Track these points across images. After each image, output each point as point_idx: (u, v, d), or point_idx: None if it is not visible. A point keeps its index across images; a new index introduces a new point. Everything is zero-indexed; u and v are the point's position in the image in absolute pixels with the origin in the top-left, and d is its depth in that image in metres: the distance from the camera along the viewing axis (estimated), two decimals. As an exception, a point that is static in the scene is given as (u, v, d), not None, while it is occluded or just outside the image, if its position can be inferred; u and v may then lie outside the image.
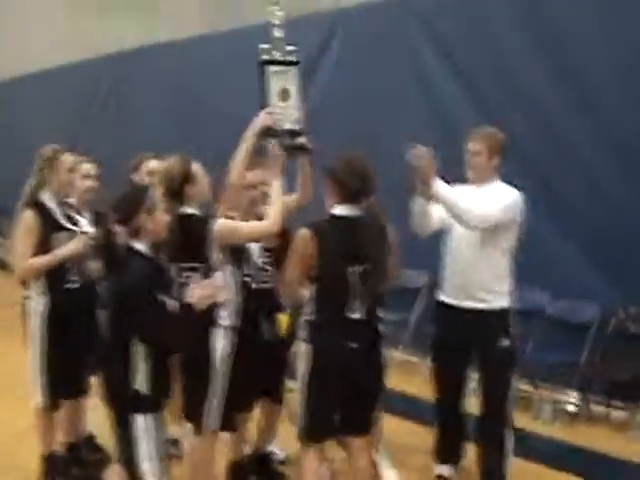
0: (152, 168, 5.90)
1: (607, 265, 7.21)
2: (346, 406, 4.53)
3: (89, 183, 5.90)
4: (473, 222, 5.04)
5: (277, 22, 4.84)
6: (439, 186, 4.99)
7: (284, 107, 4.81)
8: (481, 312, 5.22)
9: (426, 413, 6.09)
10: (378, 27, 9.23)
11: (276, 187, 4.76)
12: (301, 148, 4.88)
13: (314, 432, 4.58)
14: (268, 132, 4.77)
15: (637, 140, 7.03)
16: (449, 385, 5.57)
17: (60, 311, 5.38)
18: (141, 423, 4.19)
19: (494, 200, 5.12)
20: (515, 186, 5.31)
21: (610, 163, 7.24)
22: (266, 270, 5.28)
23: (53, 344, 5.38)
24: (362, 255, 4.42)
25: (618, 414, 7.19)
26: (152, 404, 4.25)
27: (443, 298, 5.48)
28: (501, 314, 5.25)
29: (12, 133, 17.96)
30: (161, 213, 4.37)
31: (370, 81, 9.23)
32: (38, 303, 5.39)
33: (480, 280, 5.21)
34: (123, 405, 4.23)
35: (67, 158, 5.47)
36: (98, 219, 5.51)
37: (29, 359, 5.47)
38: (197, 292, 4.32)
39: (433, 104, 8.73)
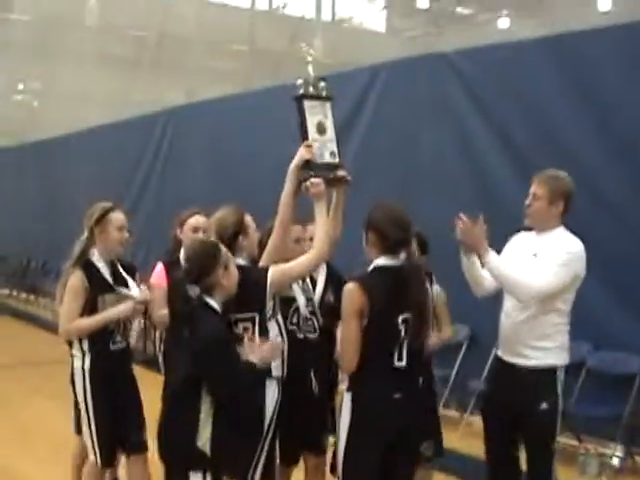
0: (197, 224, 5.93)
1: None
2: (388, 457, 4.46)
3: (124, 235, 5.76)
4: (525, 298, 4.90)
5: (310, 59, 4.99)
6: (490, 257, 4.89)
7: (322, 141, 4.87)
8: (525, 369, 5.01)
9: (468, 468, 6.04)
10: (415, 82, 9.32)
11: (321, 216, 4.73)
12: (340, 180, 4.92)
13: None
14: (308, 165, 4.80)
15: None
16: (497, 441, 5.33)
17: (105, 371, 5.36)
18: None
19: (550, 262, 4.85)
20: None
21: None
22: (312, 320, 5.31)
23: (100, 403, 5.36)
24: (407, 304, 4.42)
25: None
26: (214, 464, 4.24)
27: (497, 352, 5.33)
28: (547, 373, 4.99)
29: (59, 192, 18.22)
30: (234, 268, 4.42)
31: (407, 135, 9.30)
32: (83, 362, 5.38)
33: (527, 337, 4.99)
34: (186, 463, 4.24)
35: (117, 216, 5.44)
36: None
37: (82, 417, 5.49)
38: (258, 351, 4.33)
39: (471, 160, 8.74)
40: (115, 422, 5.40)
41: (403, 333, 4.42)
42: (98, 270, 5.40)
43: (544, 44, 8.25)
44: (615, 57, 7.49)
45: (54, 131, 19.14)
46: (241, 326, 4.56)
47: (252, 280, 4.56)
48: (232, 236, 4.69)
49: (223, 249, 4.42)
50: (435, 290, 5.59)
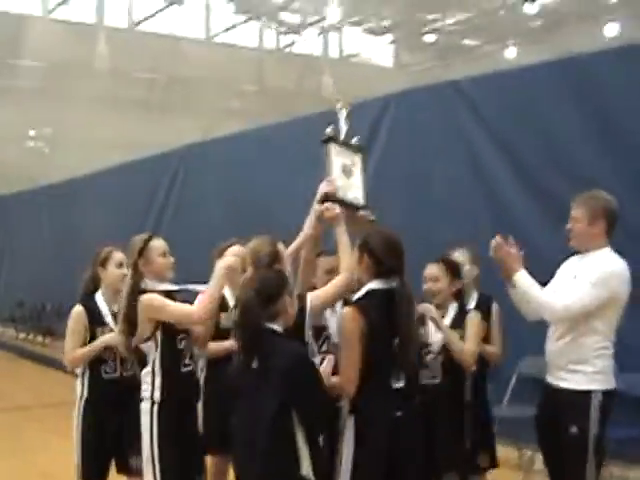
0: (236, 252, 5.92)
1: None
2: (394, 473, 4.51)
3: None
4: (553, 317, 4.96)
5: (345, 114, 5.09)
6: (521, 278, 4.94)
7: (346, 182, 4.93)
8: (561, 392, 5.03)
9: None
10: (427, 110, 9.33)
11: (341, 241, 4.79)
12: (362, 217, 4.97)
13: None
14: (329, 198, 4.83)
15: None
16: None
17: (97, 399, 5.66)
18: None
19: (582, 282, 4.85)
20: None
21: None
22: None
23: (88, 429, 5.65)
24: (400, 326, 4.52)
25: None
26: None
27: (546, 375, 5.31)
28: (581, 396, 4.94)
29: (73, 235, 18.26)
30: (295, 297, 4.46)
31: (420, 165, 9.30)
32: (79, 391, 5.71)
33: (564, 360, 4.99)
34: None
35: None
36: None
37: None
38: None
39: (484, 186, 8.72)
40: (102, 447, 5.67)
41: (397, 355, 4.52)
42: (99, 308, 5.82)
43: (554, 68, 8.27)
44: (625, 78, 7.49)
45: (66, 174, 19.24)
46: None
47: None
48: (267, 265, 4.67)
49: (289, 278, 4.47)
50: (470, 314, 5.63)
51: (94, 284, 5.86)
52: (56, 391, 13.12)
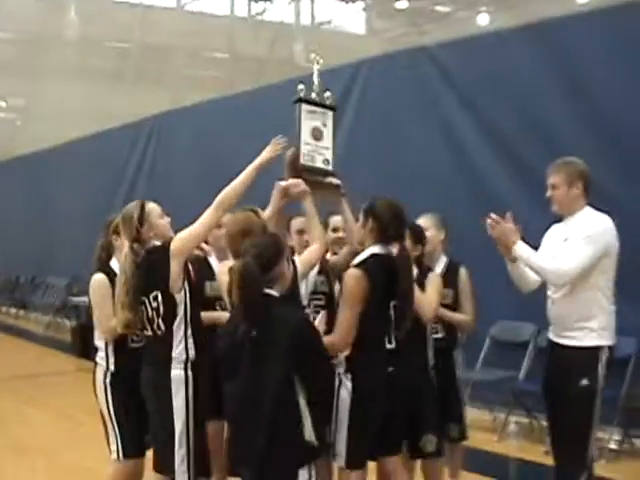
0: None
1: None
2: (383, 427, 4.69)
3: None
4: (559, 281, 5.03)
5: (317, 67, 5.13)
6: (520, 250, 5.03)
7: (315, 145, 4.97)
8: (568, 348, 5.11)
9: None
10: (399, 76, 9.34)
11: (310, 215, 4.90)
12: (330, 187, 5.02)
13: (359, 456, 4.69)
14: (297, 166, 4.88)
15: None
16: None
17: (126, 370, 5.30)
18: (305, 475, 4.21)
19: (577, 242, 4.98)
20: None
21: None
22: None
23: (119, 404, 5.33)
24: (399, 290, 4.69)
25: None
26: (318, 452, 4.32)
27: (548, 335, 5.41)
28: (589, 352, 5.04)
29: (46, 206, 18.19)
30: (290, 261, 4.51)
31: (391, 130, 9.32)
32: (103, 364, 5.39)
33: (570, 318, 5.08)
34: (299, 461, 4.21)
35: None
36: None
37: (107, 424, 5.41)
38: None
39: (457, 151, 8.78)
40: (137, 422, 5.32)
41: (392, 318, 4.71)
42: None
43: (526, 33, 8.29)
44: (597, 42, 7.51)
45: (38, 146, 19.12)
46: None
47: None
48: (262, 232, 4.69)
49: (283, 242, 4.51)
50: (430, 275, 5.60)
51: (107, 252, 5.55)
52: (30, 363, 13.19)
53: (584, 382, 5.00)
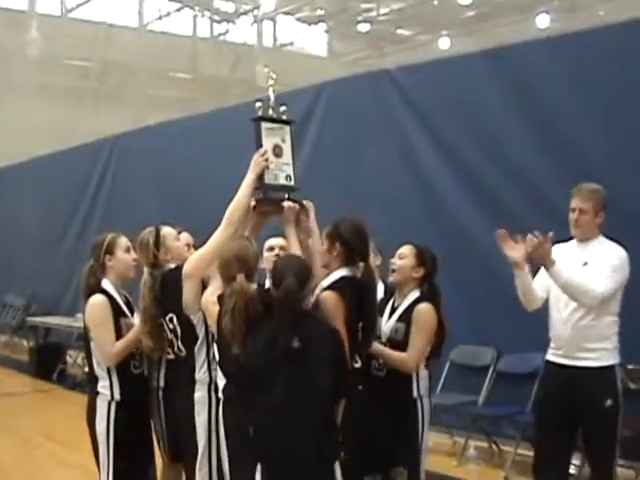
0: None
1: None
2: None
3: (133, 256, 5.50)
4: (590, 302, 5.14)
5: (271, 83, 5.10)
6: (557, 267, 5.12)
7: (277, 163, 4.94)
8: (588, 370, 5.23)
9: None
10: (358, 99, 9.38)
11: (291, 241, 4.87)
12: (295, 202, 4.96)
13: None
14: (261, 186, 4.86)
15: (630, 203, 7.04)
16: (553, 445, 5.45)
17: (130, 399, 5.20)
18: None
19: (604, 268, 5.17)
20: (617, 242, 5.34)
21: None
22: None
23: (122, 436, 5.18)
24: (366, 312, 4.70)
25: (623, 473, 6.94)
26: None
27: (549, 358, 5.49)
28: (608, 371, 5.26)
29: (4, 224, 18.01)
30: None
31: (352, 153, 9.34)
32: (107, 393, 5.19)
33: (588, 340, 5.24)
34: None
35: (123, 240, 5.32)
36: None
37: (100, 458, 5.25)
38: None
39: (416, 173, 8.81)
40: (135, 463, 5.27)
41: (360, 338, 4.68)
42: (112, 297, 5.26)
43: (485, 58, 8.35)
44: (555, 67, 7.58)
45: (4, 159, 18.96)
46: None
47: None
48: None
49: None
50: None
51: (96, 275, 5.31)
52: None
53: (609, 402, 5.20)
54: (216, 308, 4.49)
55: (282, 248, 5.23)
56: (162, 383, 5.24)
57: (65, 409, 10.53)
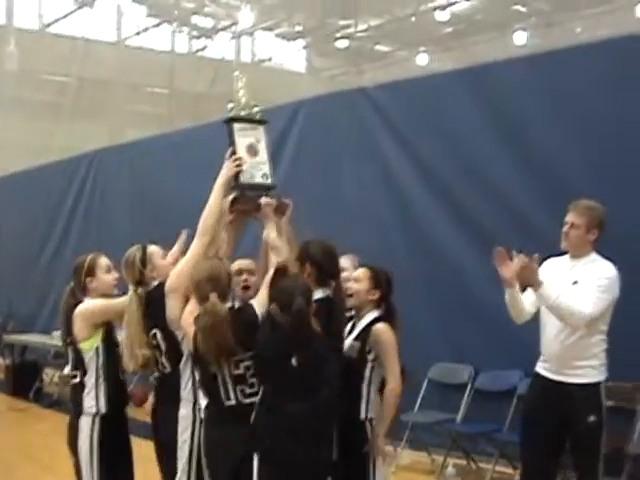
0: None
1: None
2: None
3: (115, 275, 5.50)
4: (578, 323, 5.18)
5: (240, 85, 5.15)
6: (544, 289, 5.15)
7: (252, 162, 4.95)
8: (573, 385, 5.30)
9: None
10: (336, 117, 9.39)
11: (272, 236, 4.81)
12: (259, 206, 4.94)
13: None
14: (237, 185, 4.87)
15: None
16: (538, 459, 5.52)
17: (115, 405, 5.25)
18: None
19: (593, 288, 5.18)
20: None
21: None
22: None
23: (107, 452, 5.19)
24: (336, 332, 4.72)
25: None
26: None
27: (538, 371, 5.54)
28: (593, 388, 5.31)
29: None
30: None
31: (329, 170, 9.35)
32: (91, 405, 5.21)
33: (576, 357, 5.30)
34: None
35: (103, 260, 5.35)
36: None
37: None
38: None
39: (393, 191, 8.84)
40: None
41: None
42: None
43: (462, 76, 8.40)
44: (532, 86, 7.63)
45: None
46: (242, 366, 4.51)
47: (246, 319, 4.57)
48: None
49: None
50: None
51: (75, 298, 5.34)
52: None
53: (592, 419, 5.23)
54: (192, 329, 4.51)
55: (250, 272, 5.12)
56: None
57: (42, 428, 10.51)
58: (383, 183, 8.92)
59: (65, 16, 26.70)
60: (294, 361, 4.30)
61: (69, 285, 5.43)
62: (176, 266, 4.89)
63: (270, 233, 4.83)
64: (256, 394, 4.49)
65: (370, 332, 5.05)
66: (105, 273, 5.31)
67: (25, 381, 12.99)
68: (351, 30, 26.59)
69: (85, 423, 5.19)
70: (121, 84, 25.18)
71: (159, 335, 4.95)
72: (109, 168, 13.67)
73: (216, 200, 4.81)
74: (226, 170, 4.86)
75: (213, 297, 4.43)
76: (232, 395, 4.50)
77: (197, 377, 4.70)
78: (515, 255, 5.18)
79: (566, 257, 5.48)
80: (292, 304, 4.28)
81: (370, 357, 5.04)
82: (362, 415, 4.96)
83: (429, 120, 8.49)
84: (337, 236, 8.48)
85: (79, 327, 5.23)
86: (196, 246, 4.77)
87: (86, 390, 5.22)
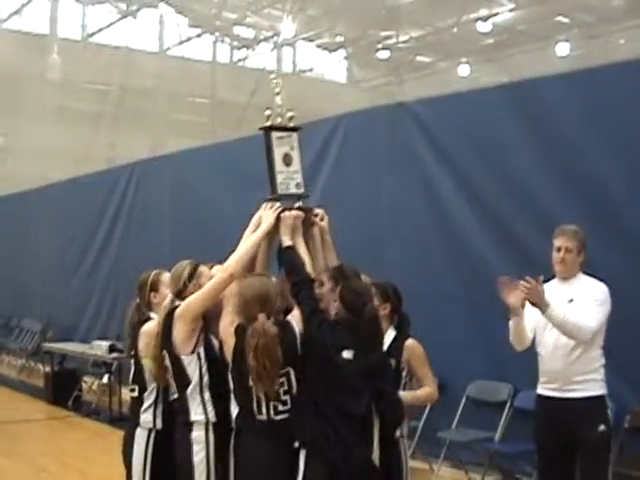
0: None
1: (622, 365, 6.93)
2: None
3: None
4: (584, 338, 5.40)
5: (278, 90, 5.11)
6: (555, 310, 5.34)
7: (287, 172, 4.99)
8: (579, 400, 5.46)
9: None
10: (376, 131, 9.37)
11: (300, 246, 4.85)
12: (307, 219, 4.99)
13: None
14: (274, 197, 4.91)
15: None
16: (553, 475, 5.71)
17: (169, 429, 5.10)
18: None
19: (590, 303, 5.46)
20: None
21: (624, 262, 7.10)
22: None
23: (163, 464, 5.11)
24: None
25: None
26: None
27: (540, 391, 5.72)
28: (598, 401, 5.51)
29: (22, 248, 18.07)
30: None
31: (370, 185, 9.32)
32: (149, 420, 5.20)
33: (578, 373, 5.47)
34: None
35: (167, 276, 5.33)
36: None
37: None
38: None
39: (434, 206, 8.77)
40: None
41: None
42: None
43: (503, 91, 8.36)
44: (574, 102, 7.55)
45: (17, 186, 19.03)
46: (277, 382, 4.51)
47: (287, 338, 4.57)
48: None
49: None
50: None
51: (141, 313, 5.40)
52: (1, 409, 12.99)
53: (602, 427, 5.44)
54: (232, 340, 4.55)
55: None
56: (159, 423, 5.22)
57: (80, 436, 10.57)
58: (423, 196, 8.87)
59: (108, 26, 26.97)
60: (349, 357, 4.42)
61: (135, 301, 5.46)
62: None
63: (298, 244, 4.84)
64: (287, 412, 4.51)
65: (402, 349, 5.13)
66: (168, 288, 5.25)
67: (64, 389, 13.07)
68: (392, 41, 26.60)
69: (140, 437, 5.19)
70: (162, 94, 25.36)
71: (167, 357, 4.90)
72: (150, 179, 13.72)
73: (252, 247, 4.83)
74: (266, 220, 4.87)
75: (262, 318, 4.46)
76: (264, 410, 4.52)
77: (231, 387, 4.68)
78: (521, 282, 5.34)
79: (554, 281, 5.70)
80: (364, 307, 4.50)
81: (404, 374, 5.13)
82: (397, 433, 4.95)
83: (469, 134, 8.43)
84: (377, 249, 8.62)
85: (144, 343, 5.24)
86: (217, 283, 4.73)
87: (144, 406, 5.21)
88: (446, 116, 8.73)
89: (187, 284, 5.00)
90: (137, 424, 5.22)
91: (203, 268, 5.11)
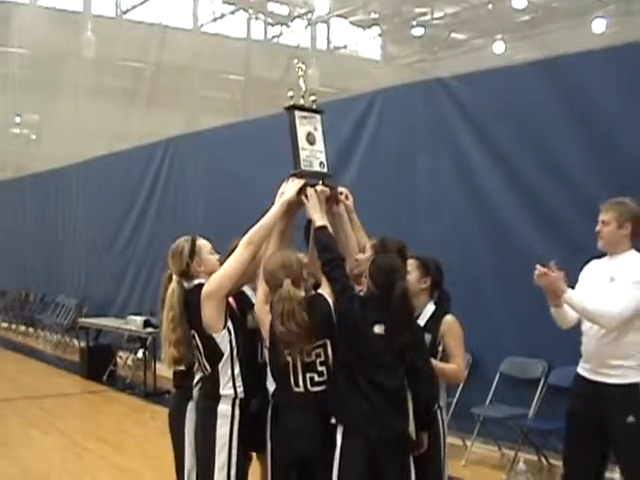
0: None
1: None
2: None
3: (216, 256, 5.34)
4: (611, 325, 5.16)
5: (302, 73, 5.18)
6: (569, 297, 5.19)
7: (311, 150, 5.01)
8: (609, 386, 5.25)
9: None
10: (412, 107, 9.32)
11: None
12: (332, 195, 5.02)
13: None
14: (297, 172, 4.92)
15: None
16: (582, 457, 5.48)
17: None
18: None
19: (626, 285, 5.16)
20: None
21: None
22: None
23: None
24: None
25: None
26: None
27: (579, 371, 5.52)
28: (629, 389, 5.23)
29: (57, 224, 18.22)
30: None
31: (405, 161, 9.30)
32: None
33: (610, 357, 5.25)
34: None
35: (205, 241, 5.19)
36: None
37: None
38: None
39: (468, 182, 8.75)
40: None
41: None
42: None
43: (539, 67, 8.28)
44: (611, 78, 7.49)
45: (52, 163, 19.17)
46: (313, 354, 4.58)
47: (319, 307, 4.64)
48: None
49: None
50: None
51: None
52: (38, 384, 13.15)
53: (631, 419, 5.17)
54: (269, 317, 4.59)
55: None
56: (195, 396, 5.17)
57: (115, 411, 10.67)
58: (459, 174, 8.84)
59: (142, 3, 27.01)
60: (380, 332, 4.46)
61: (167, 272, 5.23)
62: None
63: (317, 220, 4.81)
64: (324, 383, 4.55)
65: (440, 324, 5.14)
66: (209, 254, 5.16)
67: (99, 364, 13.21)
68: (427, 18, 26.49)
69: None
70: (197, 71, 25.38)
71: (197, 337, 4.89)
72: (185, 155, 13.77)
73: (273, 217, 4.81)
74: (288, 191, 4.86)
75: (287, 283, 4.49)
76: (301, 382, 4.56)
77: (268, 365, 4.76)
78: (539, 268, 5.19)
79: (605, 258, 5.46)
80: (393, 284, 4.47)
81: (440, 348, 5.14)
82: (434, 406, 4.96)
83: (505, 110, 8.39)
84: (413, 227, 8.59)
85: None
86: (239, 255, 4.74)
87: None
88: (482, 92, 8.69)
89: (190, 263, 4.99)
90: (188, 398, 5.19)
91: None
